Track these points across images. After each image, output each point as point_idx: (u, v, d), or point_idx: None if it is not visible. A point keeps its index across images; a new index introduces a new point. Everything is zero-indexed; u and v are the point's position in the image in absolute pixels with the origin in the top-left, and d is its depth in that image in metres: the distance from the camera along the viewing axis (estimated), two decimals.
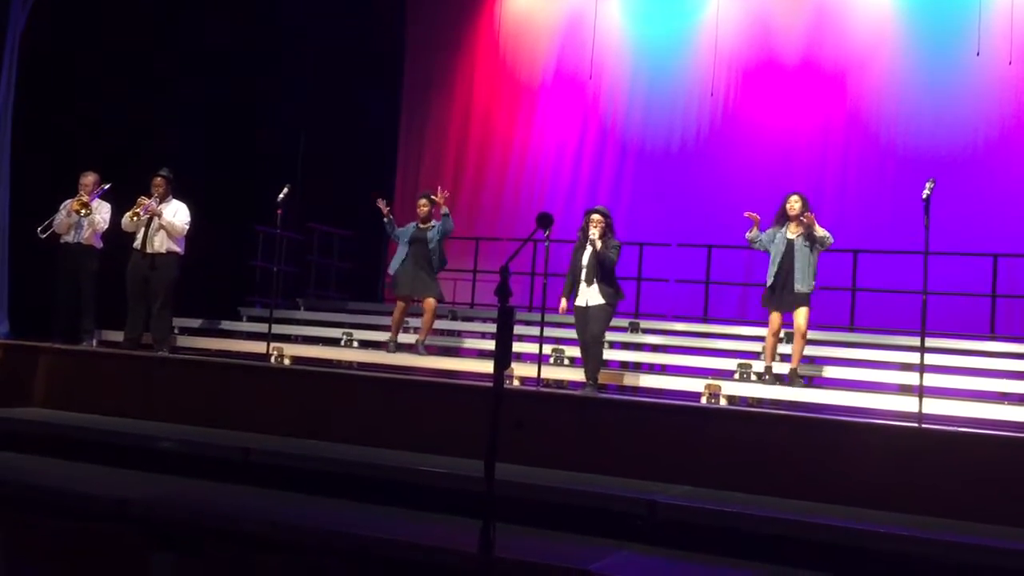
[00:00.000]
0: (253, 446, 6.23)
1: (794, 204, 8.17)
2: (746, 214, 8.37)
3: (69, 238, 9.08)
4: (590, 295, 7.99)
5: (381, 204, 9.29)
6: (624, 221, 11.22)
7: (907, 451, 5.61)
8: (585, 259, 8.05)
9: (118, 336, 9.26)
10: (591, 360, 7.95)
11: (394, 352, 9.15)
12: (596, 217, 8.06)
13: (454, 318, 10.84)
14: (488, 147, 13.01)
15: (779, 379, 8.19)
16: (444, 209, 9.14)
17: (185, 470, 6.16)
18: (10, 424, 6.95)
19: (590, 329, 7.96)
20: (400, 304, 9.25)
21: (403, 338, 9.90)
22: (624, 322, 10.14)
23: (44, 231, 9.05)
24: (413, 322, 10.36)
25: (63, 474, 5.99)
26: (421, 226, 9.23)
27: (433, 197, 9.22)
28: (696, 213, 11.61)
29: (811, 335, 9.41)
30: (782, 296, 8.06)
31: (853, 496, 5.48)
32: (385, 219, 9.30)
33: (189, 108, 11.54)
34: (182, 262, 9.13)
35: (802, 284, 7.99)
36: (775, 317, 8.14)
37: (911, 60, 11.12)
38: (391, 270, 9.28)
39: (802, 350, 8.11)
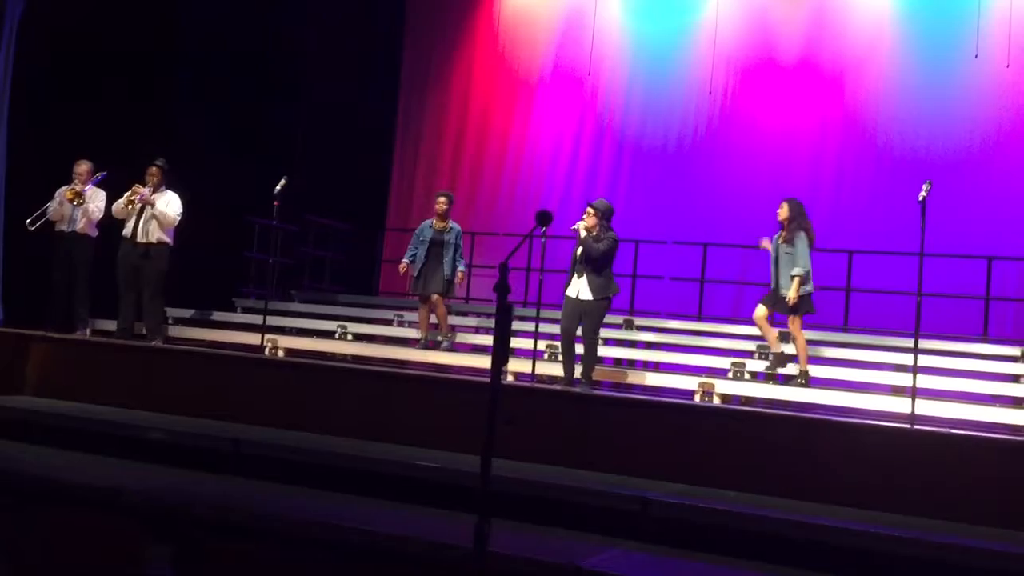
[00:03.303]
0: (244, 437, 6.23)
1: (779, 210, 8.32)
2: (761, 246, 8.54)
3: (64, 227, 9.05)
4: (581, 287, 8.02)
5: (403, 268, 9.47)
6: (620, 218, 11.15)
7: (899, 452, 5.63)
8: (579, 251, 8.08)
9: (111, 325, 9.23)
10: (585, 357, 7.94)
11: (423, 349, 9.19)
12: (588, 209, 8.11)
13: (448, 312, 10.81)
14: (485, 141, 13.00)
15: (772, 378, 8.22)
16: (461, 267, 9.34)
17: (176, 460, 6.16)
18: (1, 412, 6.93)
19: (585, 325, 7.96)
20: (427, 303, 9.29)
21: (396, 331, 9.94)
22: (619, 319, 10.15)
23: (34, 223, 8.98)
24: (409, 317, 10.36)
25: (53, 463, 5.98)
26: (438, 226, 9.33)
27: (451, 195, 9.64)
28: (692, 211, 11.61)
29: (806, 335, 9.44)
30: (776, 299, 8.20)
31: (844, 496, 5.50)
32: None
33: (186, 98, 11.50)
34: (172, 253, 9.10)
35: (787, 287, 8.10)
36: (760, 307, 8.28)
37: (909, 61, 11.13)
38: (414, 271, 9.30)
39: (805, 352, 8.18)
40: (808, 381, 8.06)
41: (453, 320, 10.62)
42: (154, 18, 11.00)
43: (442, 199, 9.47)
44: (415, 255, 9.33)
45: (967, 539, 4.80)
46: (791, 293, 8.00)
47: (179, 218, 9.06)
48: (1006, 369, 8.58)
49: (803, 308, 8.12)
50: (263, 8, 12.29)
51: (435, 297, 9.20)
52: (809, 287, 8.12)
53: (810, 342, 9.07)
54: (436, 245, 9.27)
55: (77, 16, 10.28)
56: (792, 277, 8.02)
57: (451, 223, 9.40)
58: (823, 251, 10.63)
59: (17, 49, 9.68)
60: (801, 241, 8.10)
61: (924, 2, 11.25)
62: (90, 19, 10.41)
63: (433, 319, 9.34)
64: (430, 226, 9.40)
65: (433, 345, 9.22)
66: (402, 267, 9.46)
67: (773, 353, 8.30)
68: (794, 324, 8.15)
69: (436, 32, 13.42)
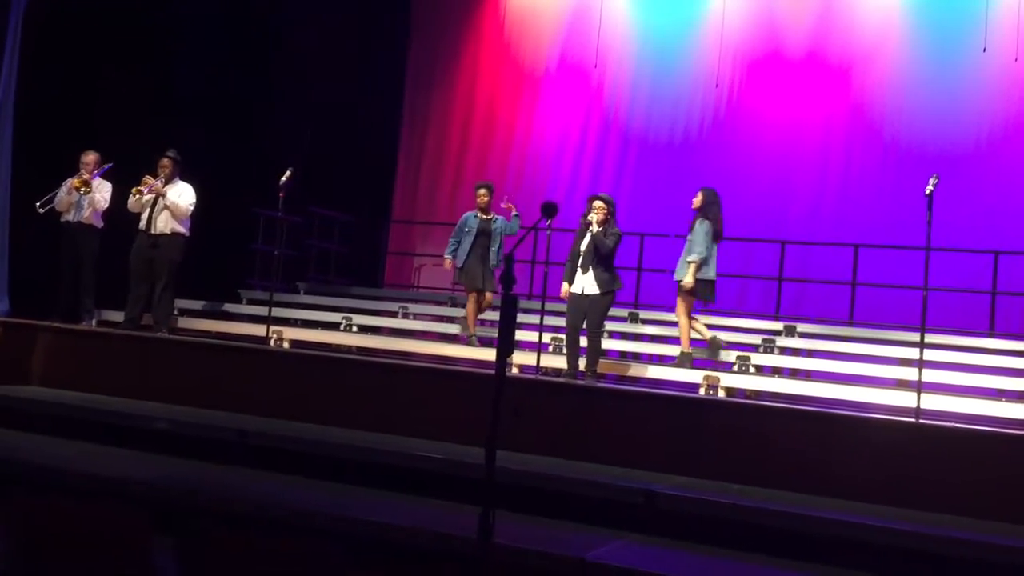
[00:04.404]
0: (250, 428, 6.24)
1: (695, 198, 8.39)
2: None
3: (70, 217, 9.06)
4: (586, 282, 8.01)
5: (447, 264, 9.25)
6: (625, 211, 11.20)
7: (904, 446, 5.63)
8: (584, 245, 8.06)
9: (118, 316, 9.24)
10: (589, 350, 7.94)
11: (477, 346, 8.96)
12: (598, 204, 8.06)
13: (453, 304, 10.83)
14: (491, 134, 12.99)
15: (778, 372, 8.22)
16: (516, 212, 9.15)
17: (182, 451, 6.17)
18: (8, 402, 6.95)
19: (589, 319, 7.96)
20: (473, 296, 9.09)
21: (402, 323, 9.91)
22: (624, 312, 10.14)
23: (43, 206, 9.02)
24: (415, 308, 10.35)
25: (59, 452, 5.99)
26: (484, 217, 9.10)
27: (491, 185, 9.34)
28: None
29: (811, 328, 9.43)
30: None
31: (849, 489, 5.49)
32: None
33: (192, 89, 11.50)
34: (187, 243, 9.11)
35: (677, 272, 8.31)
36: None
37: (917, 55, 11.09)
38: (459, 263, 9.04)
39: (688, 334, 8.29)
40: (691, 363, 8.17)
41: (458, 312, 10.65)
42: (156, 7, 11.00)
43: (482, 191, 9.16)
44: (456, 248, 9.06)
45: (972, 533, 4.79)
46: (687, 279, 8.09)
47: (191, 208, 9.06)
48: (1012, 364, 8.55)
49: (699, 294, 8.21)
50: (269, 5, 12.28)
51: (489, 297, 9.02)
52: (709, 274, 8.20)
53: (816, 336, 9.06)
54: (484, 235, 9.00)
55: (81, 9, 10.29)
56: (688, 263, 8.10)
57: (496, 215, 9.14)
58: (830, 245, 10.65)
59: (23, 42, 9.68)
60: (701, 227, 8.18)
61: None
62: (94, 13, 10.43)
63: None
64: (475, 216, 9.12)
65: (466, 341, 9.04)
66: (446, 263, 9.16)
67: (682, 352, 8.33)
68: (680, 306, 8.26)
69: (442, 25, 13.40)
